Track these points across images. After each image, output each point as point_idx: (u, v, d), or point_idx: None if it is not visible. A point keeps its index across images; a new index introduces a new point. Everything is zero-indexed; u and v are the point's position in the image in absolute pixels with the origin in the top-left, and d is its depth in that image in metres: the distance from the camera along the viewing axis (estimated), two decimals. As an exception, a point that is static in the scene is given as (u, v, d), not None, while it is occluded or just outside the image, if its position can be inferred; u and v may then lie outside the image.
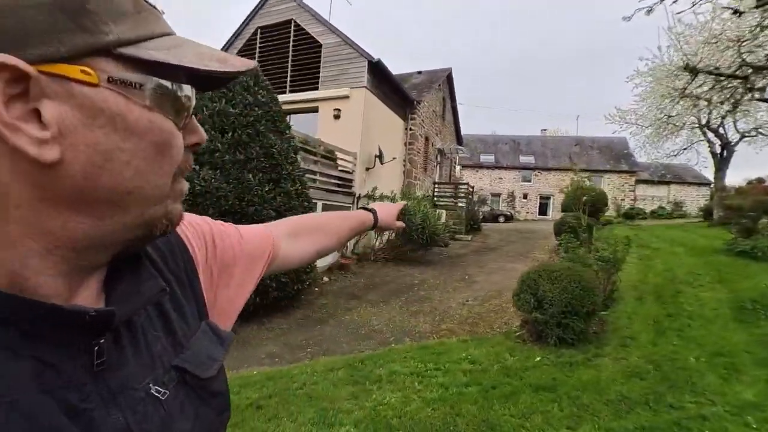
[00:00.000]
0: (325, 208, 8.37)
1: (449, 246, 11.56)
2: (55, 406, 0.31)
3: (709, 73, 7.54)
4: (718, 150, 14.56)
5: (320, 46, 10.79)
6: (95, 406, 0.33)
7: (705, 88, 8.41)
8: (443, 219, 13.97)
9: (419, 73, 15.60)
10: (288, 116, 11.54)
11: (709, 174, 16.81)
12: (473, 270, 8.75)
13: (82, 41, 0.28)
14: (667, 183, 27.31)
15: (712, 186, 21.39)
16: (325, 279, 7.32)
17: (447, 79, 16.26)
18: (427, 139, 14.33)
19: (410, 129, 12.91)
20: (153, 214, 0.35)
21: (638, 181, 26.75)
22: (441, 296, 6.53)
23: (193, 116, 0.38)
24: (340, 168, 9.44)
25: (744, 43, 7.22)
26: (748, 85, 7.94)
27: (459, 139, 19.65)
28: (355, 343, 4.36)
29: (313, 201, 6.83)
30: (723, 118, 12.72)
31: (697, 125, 14.36)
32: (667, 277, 6.13)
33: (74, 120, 0.29)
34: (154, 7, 0.34)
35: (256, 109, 5.68)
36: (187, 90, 0.35)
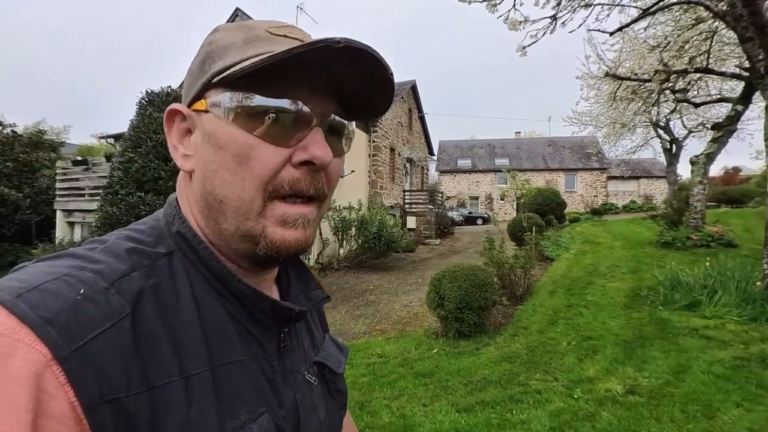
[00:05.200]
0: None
1: (415, 251, 12.06)
2: (261, 373, 0.39)
3: (628, 79, 8.18)
4: (668, 146, 15.30)
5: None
6: (280, 380, 0.41)
7: (627, 93, 9.08)
8: (413, 225, 14.51)
9: (382, 86, 16.17)
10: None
11: (679, 168, 17.57)
12: (430, 273, 9.17)
13: (201, 81, 0.38)
14: (637, 178, 28.24)
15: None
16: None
17: (411, 90, 16.89)
18: (392, 149, 14.89)
19: (373, 141, 13.46)
20: (249, 230, 0.37)
21: (609, 178, 27.61)
22: (388, 300, 6.97)
23: (316, 133, 0.38)
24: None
25: (665, 50, 7.87)
26: (666, 87, 8.61)
27: (430, 147, 20.27)
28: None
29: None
30: (667, 116, 13.52)
31: (648, 123, 15.14)
32: (588, 271, 6.66)
33: (198, 141, 0.39)
34: (275, 34, 0.38)
35: (199, 136, 6.16)
36: (283, 103, 0.36)
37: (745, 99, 7.44)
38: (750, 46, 4.11)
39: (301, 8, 14.17)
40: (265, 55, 0.34)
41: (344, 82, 0.39)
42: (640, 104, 10.75)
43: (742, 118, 8.08)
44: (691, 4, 5.04)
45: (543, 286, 6.07)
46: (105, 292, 0.31)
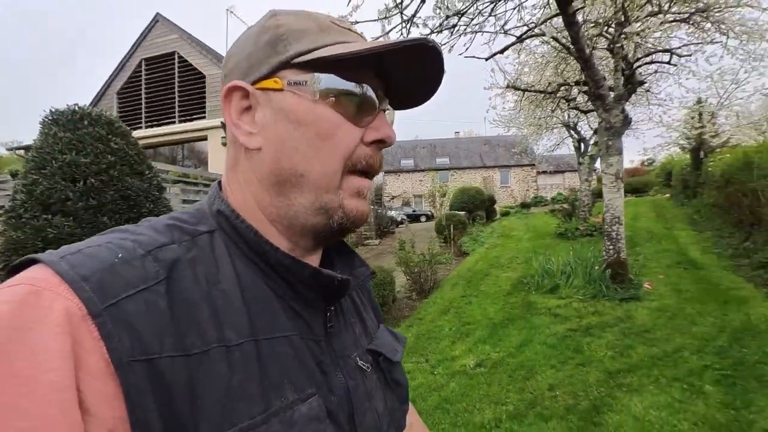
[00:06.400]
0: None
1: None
2: (308, 352, 0.39)
3: (527, 90, 9.23)
4: (578, 144, 17.13)
5: (204, 77, 11.24)
6: (329, 362, 0.41)
7: (528, 102, 10.23)
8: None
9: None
10: (180, 146, 11.80)
11: (598, 162, 19.77)
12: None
13: (275, 60, 0.40)
14: (562, 172, 30.97)
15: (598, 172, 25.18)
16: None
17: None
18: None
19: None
20: (328, 202, 0.40)
21: (538, 173, 30.02)
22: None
23: (385, 115, 0.43)
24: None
25: (556, 64, 8.96)
26: (561, 97, 9.82)
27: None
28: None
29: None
30: (573, 118, 15.19)
31: (561, 124, 16.87)
32: (491, 263, 7.54)
33: (269, 118, 0.40)
34: (340, 26, 0.42)
35: (109, 156, 6.14)
36: (356, 87, 0.40)
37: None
38: (588, 73, 5.02)
39: (231, 11, 14.06)
40: (374, 44, 0.38)
41: (393, 74, 0.43)
42: (545, 110, 12.07)
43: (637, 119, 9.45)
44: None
45: (449, 279, 6.80)
46: (142, 258, 0.33)
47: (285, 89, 0.39)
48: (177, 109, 11.64)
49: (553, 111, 11.21)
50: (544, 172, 30.17)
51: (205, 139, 11.09)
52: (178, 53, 11.65)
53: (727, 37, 7.63)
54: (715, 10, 6.82)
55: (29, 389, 0.25)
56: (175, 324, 0.31)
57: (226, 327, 0.33)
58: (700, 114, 11.57)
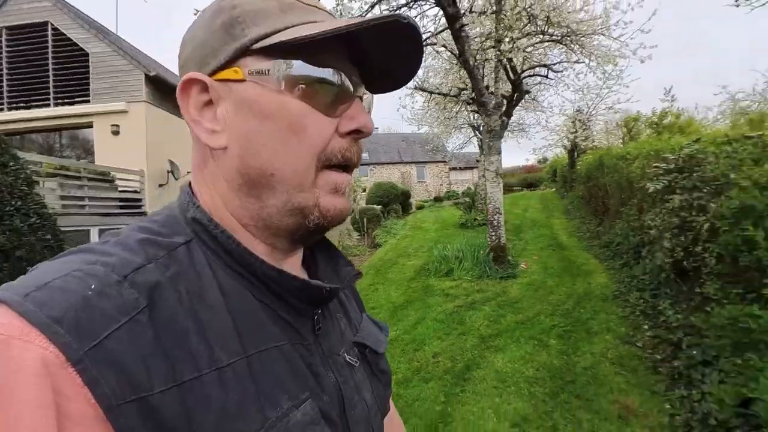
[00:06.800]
0: (103, 232, 7.97)
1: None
2: (299, 358, 0.38)
3: (431, 92, 9.96)
4: (481, 143, 18.91)
5: (87, 55, 9.89)
6: (319, 363, 0.40)
7: (434, 104, 11.07)
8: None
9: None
10: (57, 133, 10.26)
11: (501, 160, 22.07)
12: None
13: (233, 47, 0.35)
14: (471, 168, 33.76)
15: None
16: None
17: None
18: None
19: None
20: (302, 202, 0.37)
21: (451, 169, 32.28)
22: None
23: (360, 102, 0.40)
24: (121, 189, 9.03)
25: (460, 71, 9.74)
26: (463, 100, 10.76)
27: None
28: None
29: (84, 228, 6.59)
30: (476, 119, 16.75)
31: (467, 124, 18.46)
32: (400, 253, 8.08)
33: (232, 113, 0.36)
34: (305, 3, 0.37)
35: (-42, 146, 5.17)
36: (327, 73, 0.36)
37: (507, 113, 9.90)
38: (472, 83, 5.68)
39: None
40: (344, 23, 0.34)
41: (369, 55, 0.40)
42: (450, 111, 13.17)
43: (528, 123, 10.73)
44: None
45: (363, 269, 7.12)
46: (118, 286, 0.30)
47: (246, 79, 0.36)
48: (52, 90, 10.06)
49: (457, 112, 12.26)
50: (456, 168, 32.54)
51: (90, 126, 9.79)
52: (51, 24, 10.05)
53: (590, 59, 9.20)
54: (579, 35, 8.16)
55: None
56: (163, 354, 0.29)
57: (216, 347, 0.32)
58: (574, 121, 13.65)
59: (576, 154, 13.81)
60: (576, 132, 13.67)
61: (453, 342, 3.77)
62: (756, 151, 1.99)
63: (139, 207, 9.30)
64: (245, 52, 0.35)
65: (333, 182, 0.38)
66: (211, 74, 0.36)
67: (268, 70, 0.35)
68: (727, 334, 2.16)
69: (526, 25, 7.17)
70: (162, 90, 10.26)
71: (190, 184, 0.42)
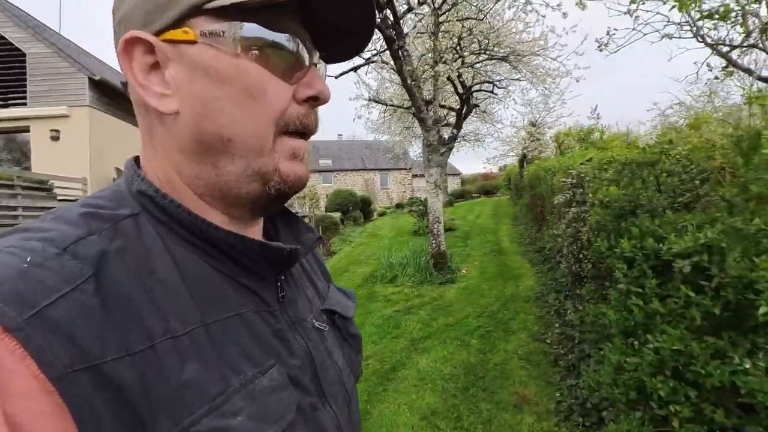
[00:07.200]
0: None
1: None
2: (264, 325, 0.37)
3: (385, 104, 10.30)
4: (440, 152, 19.59)
5: (24, 55, 9.38)
6: (287, 329, 0.40)
7: (388, 115, 11.45)
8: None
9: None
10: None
11: (461, 167, 22.91)
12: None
13: (183, 5, 0.33)
14: (433, 175, 34.73)
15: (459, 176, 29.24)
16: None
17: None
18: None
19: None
20: (262, 167, 0.36)
21: (414, 176, 32.99)
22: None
23: (316, 69, 0.39)
24: (60, 198, 8.60)
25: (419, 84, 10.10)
26: (414, 113, 11.18)
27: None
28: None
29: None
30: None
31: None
32: (352, 260, 8.28)
33: (183, 76, 0.34)
34: None
35: None
36: (283, 38, 0.36)
37: (457, 125, 10.42)
38: (411, 100, 6.02)
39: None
40: None
41: (322, 21, 0.39)
42: (405, 122, 13.61)
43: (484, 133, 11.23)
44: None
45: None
46: (58, 258, 0.28)
47: (199, 41, 0.34)
48: (-17, 91, 9.44)
49: (413, 123, 12.70)
50: (419, 175, 33.28)
51: (26, 130, 9.26)
52: (-17, 22, 9.46)
53: (531, 77, 9.93)
54: (520, 55, 8.80)
55: None
56: (113, 323, 0.28)
57: (171, 317, 0.31)
58: (529, 132, 14.53)
59: (525, 163, 14.69)
60: (526, 144, 14.54)
61: (386, 345, 4.01)
62: (614, 174, 2.38)
63: (81, 216, 8.87)
64: (197, 11, 0.34)
65: (291, 147, 0.38)
66: (157, 34, 0.34)
67: (223, 32, 0.34)
68: (595, 329, 2.54)
69: (464, 47, 7.69)
70: (109, 94, 9.90)
71: (136, 158, 0.41)
